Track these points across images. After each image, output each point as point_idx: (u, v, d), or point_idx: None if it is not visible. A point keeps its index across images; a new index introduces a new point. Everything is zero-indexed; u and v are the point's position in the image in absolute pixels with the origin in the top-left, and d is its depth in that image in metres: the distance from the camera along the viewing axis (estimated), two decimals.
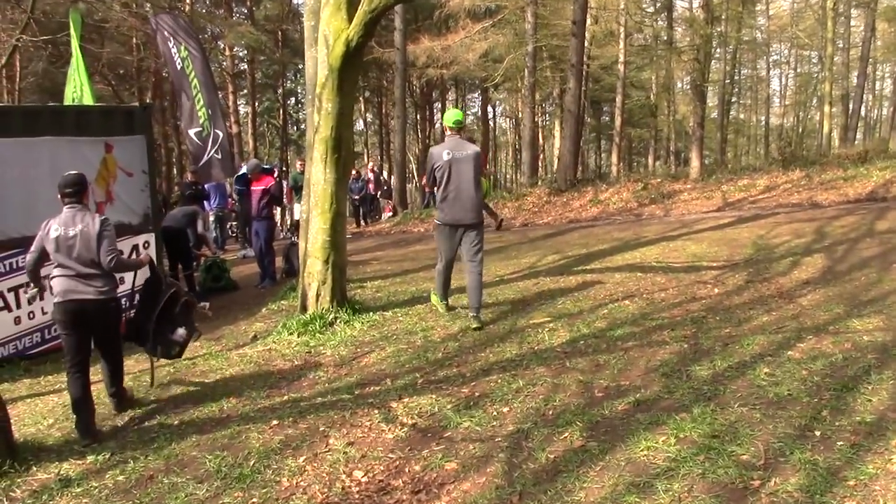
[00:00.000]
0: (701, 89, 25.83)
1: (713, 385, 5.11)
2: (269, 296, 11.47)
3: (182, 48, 17.30)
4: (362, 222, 24.02)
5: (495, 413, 5.16)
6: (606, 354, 6.11)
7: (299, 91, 55.04)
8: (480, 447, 4.63)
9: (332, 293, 8.54)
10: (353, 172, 27.26)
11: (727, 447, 4.13)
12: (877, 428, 4.21)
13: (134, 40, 31.90)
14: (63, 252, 5.78)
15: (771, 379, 5.09)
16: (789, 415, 4.48)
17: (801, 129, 52.83)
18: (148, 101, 33.04)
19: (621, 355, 6.04)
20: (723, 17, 32.33)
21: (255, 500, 4.36)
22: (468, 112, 60.57)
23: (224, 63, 36.85)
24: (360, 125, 54.14)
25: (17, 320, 8.88)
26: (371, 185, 25.29)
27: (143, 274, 7.00)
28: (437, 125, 52.02)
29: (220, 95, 40.81)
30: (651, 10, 39.13)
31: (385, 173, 34.20)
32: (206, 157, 18.00)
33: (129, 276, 7.36)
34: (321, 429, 5.28)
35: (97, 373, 6.24)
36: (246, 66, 39.96)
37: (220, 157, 17.70)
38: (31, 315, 8.96)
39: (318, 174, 8.48)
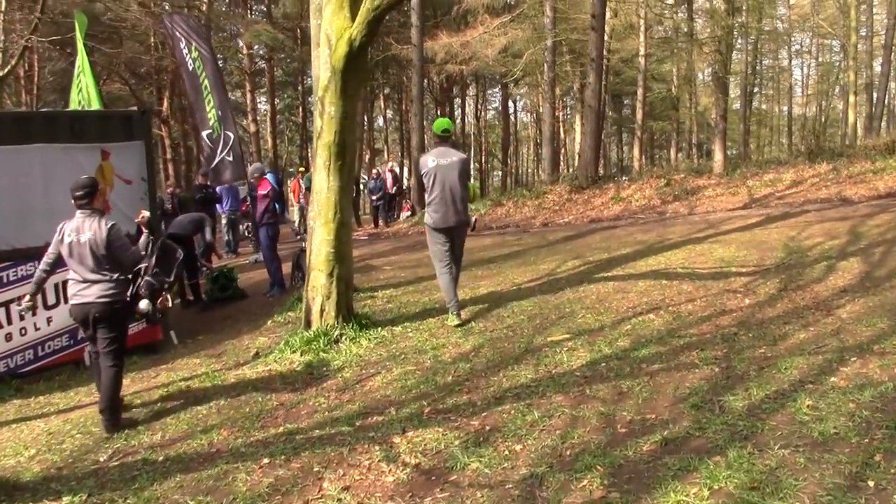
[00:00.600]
0: (723, 81, 25.20)
1: (749, 420, 4.55)
2: (277, 305, 11.04)
3: (193, 49, 17.01)
4: (381, 223, 23.61)
5: (507, 452, 4.64)
6: (630, 380, 5.58)
7: None
8: (489, 496, 4.11)
9: (336, 308, 8.06)
10: (374, 172, 26.89)
11: (768, 502, 3.60)
12: None
13: (152, 39, 31.72)
14: (75, 258, 6.15)
15: (814, 413, 4.53)
16: (837, 459, 3.92)
17: (823, 119, 52.03)
18: (167, 100, 32.88)
19: (646, 381, 5.51)
20: (743, 7, 31.60)
21: None
22: (490, 107, 60.17)
23: (244, 61, 36.57)
24: (380, 122, 53.68)
25: (9, 337, 8.59)
26: (388, 184, 24.89)
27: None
28: (459, 121, 51.64)
29: (240, 94, 40.91)
30: (671, 1, 38.52)
31: (406, 171, 33.74)
32: (217, 159, 17.70)
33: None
34: (315, 469, 4.79)
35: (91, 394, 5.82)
36: (265, 65, 39.58)
37: (230, 159, 17.39)
38: (24, 331, 8.66)
39: (320, 182, 8.01)
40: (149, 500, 4.66)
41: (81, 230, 6.08)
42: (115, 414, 6.20)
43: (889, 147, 20.85)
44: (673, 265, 10.12)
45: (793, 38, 51.62)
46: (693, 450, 4.27)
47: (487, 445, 4.78)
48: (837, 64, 50.29)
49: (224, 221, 18.11)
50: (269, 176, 12.62)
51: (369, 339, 7.83)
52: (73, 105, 12.79)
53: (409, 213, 25.84)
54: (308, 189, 18.41)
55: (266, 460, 5.03)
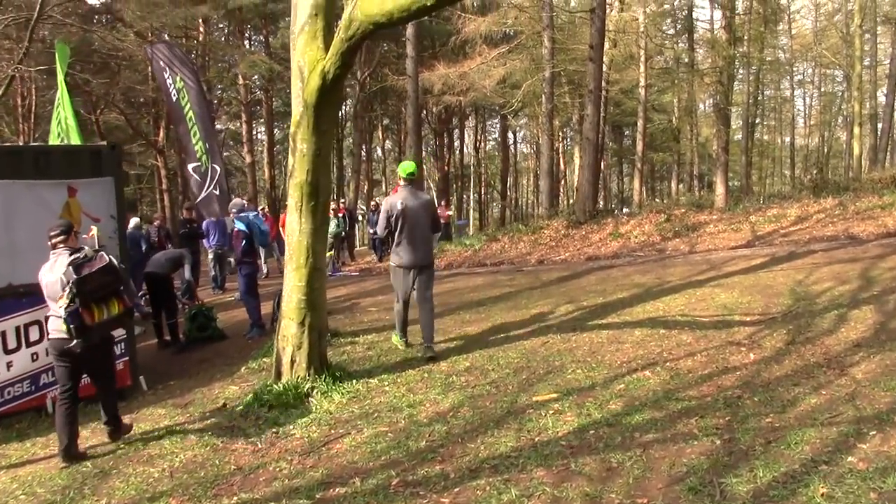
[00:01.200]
0: (725, 112, 24.83)
1: None
2: (255, 348, 10.45)
3: (178, 78, 16.52)
4: (375, 257, 23.06)
5: None
6: (621, 453, 4.98)
7: None
8: None
9: (308, 359, 7.48)
10: (372, 203, 26.40)
11: None
12: None
13: (149, 69, 31.39)
14: (49, 295, 6.43)
15: None
16: None
17: (826, 151, 51.68)
18: (163, 129, 32.50)
19: (639, 455, 4.91)
20: (745, 37, 31.31)
21: None
22: (489, 138, 59.82)
23: (241, 92, 36.23)
24: (378, 153, 53.28)
25: None
26: None
27: None
28: (458, 152, 51.27)
29: (238, 124, 40.54)
30: (671, 32, 38.28)
31: None
32: (204, 193, 17.16)
33: None
34: None
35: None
36: (262, 95, 39.22)
37: (217, 193, 16.88)
38: None
39: (292, 224, 7.46)
40: None
41: (49, 269, 6.40)
42: (116, 427, 6.81)
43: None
44: (672, 312, 9.52)
45: (795, 69, 51.30)
46: None
47: None
48: (840, 94, 50.00)
49: (211, 256, 17.55)
50: (244, 214, 12.04)
51: (342, 394, 7.23)
52: (53, 138, 12.34)
53: None
54: None
55: None
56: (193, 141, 16.74)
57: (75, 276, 6.11)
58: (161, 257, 12.00)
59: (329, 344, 9.63)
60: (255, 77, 35.42)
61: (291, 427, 6.53)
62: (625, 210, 38.60)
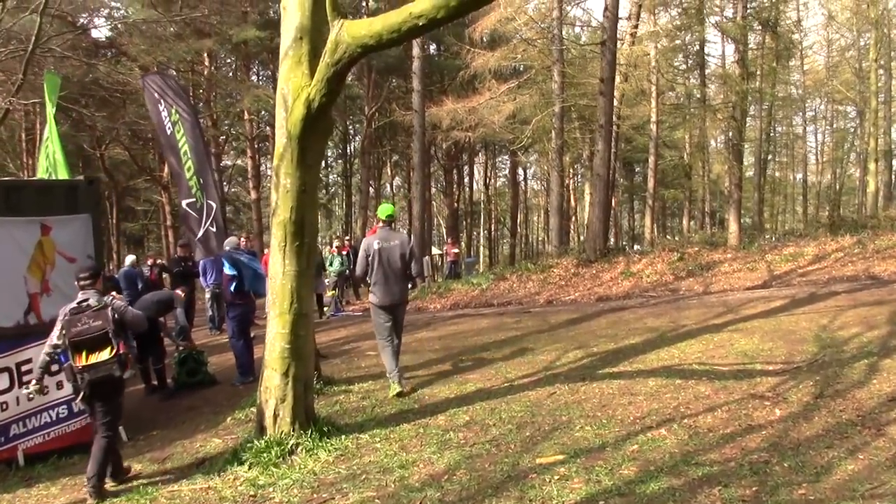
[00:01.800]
0: (738, 148, 24.35)
1: None
2: (245, 395, 9.84)
3: (173, 111, 16.02)
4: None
5: None
6: None
7: (328, 154, 54.33)
8: None
9: (293, 413, 6.86)
10: None
11: None
12: None
13: None
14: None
15: None
16: None
17: (838, 187, 51.09)
18: (168, 165, 32.16)
19: None
20: (758, 72, 30.88)
21: None
22: (499, 174, 59.43)
23: (247, 127, 35.99)
24: (387, 190, 52.93)
25: None
26: None
27: None
28: (467, 189, 50.88)
29: (244, 160, 40.27)
30: (683, 67, 37.90)
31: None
32: (201, 231, 16.61)
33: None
34: None
35: None
36: (269, 130, 38.96)
37: (214, 230, 16.31)
38: None
39: (275, 266, 6.89)
40: None
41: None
42: (100, 481, 6.49)
43: None
44: (688, 359, 8.87)
45: (807, 105, 50.80)
46: None
47: None
48: (852, 130, 49.44)
49: (208, 295, 16.98)
50: (237, 255, 11.49)
51: (329, 451, 6.61)
52: (41, 173, 11.85)
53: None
54: None
55: None
56: (187, 176, 16.19)
57: (64, 320, 6.42)
58: (150, 299, 11.40)
59: (321, 393, 9.09)
60: (262, 112, 35.12)
61: (271, 490, 5.93)
62: (636, 247, 38.04)
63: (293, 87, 6.60)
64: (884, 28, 31.41)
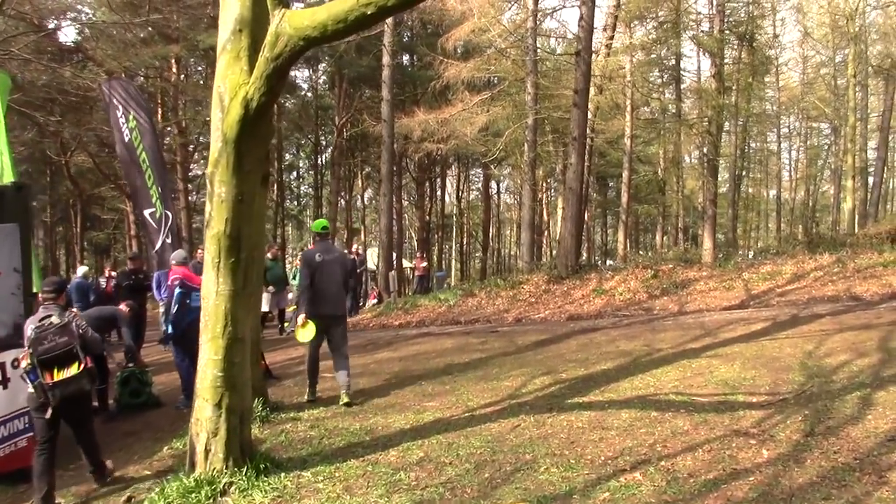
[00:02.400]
0: (713, 164, 23.85)
1: None
2: (189, 421, 9.10)
3: (131, 118, 15.38)
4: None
5: None
6: None
7: (300, 165, 53.71)
8: None
9: (226, 449, 6.14)
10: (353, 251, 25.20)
11: None
12: None
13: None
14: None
15: None
16: None
17: (812, 204, 51.09)
18: None
19: None
20: (734, 87, 30.53)
21: None
22: (472, 187, 58.84)
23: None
24: (359, 202, 52.13)
25: None
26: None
27: None
28: (439, 201, 50.29)
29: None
30: (658, 81, 37.59)
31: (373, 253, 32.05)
32: (160, 242, 15.95)
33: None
34: None
35: None
36: None
37: (170, 241, 15.69)
38: None
39: (208, 284, 6.16)
40: None
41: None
42: (100, 473, 7.05)
43: (893, 235, 19.38)
44: (664, 388, 8.21)
45: (782, 121, 50.75)
46: None
47: None
48: (826, 147, 49.40)
49: (161, 310, 16.20)
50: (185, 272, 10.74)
51: (265, 492, 5.88)
52: None
53: (375, 300, 24.02)
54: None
55: None
56: (148, 184, 15.54)
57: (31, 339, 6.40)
58: (91, 314, 10.64)
59: (267, 420, 8.40)
60: None
61: None
62: (609, 263, 37.57)
63: (230, 86, 5.92)
64: (861, 44, 31.14)
